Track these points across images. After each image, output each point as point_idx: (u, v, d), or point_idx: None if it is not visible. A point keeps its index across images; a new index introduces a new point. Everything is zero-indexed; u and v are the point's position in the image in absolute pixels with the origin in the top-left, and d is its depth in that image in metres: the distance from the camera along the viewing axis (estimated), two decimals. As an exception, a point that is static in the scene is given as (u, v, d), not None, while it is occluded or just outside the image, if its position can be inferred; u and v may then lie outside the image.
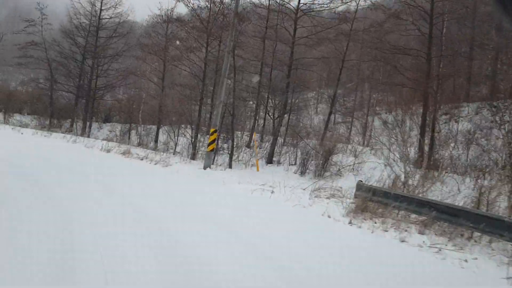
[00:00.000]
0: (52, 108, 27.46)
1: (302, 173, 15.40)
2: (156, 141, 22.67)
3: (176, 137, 21.00)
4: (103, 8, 27.17)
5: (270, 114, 22.91)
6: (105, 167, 12.73)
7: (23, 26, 27.44)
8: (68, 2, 26.85)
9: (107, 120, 29.53)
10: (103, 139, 23.20)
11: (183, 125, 21.08)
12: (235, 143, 17.48)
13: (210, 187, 10.65)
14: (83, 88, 27.64)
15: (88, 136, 24.34)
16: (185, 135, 20.51)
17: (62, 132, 27.26)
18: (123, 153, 16.83)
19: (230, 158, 16.96)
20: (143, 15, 22.34)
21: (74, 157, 14.90)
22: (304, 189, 10.73)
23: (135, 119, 26.21)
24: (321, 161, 15.24)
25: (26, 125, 25.75)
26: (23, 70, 27.67)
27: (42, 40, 27.28)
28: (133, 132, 26.13)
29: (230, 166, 16.66)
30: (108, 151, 17.48)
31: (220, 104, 14.98)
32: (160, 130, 23.35)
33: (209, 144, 14.60)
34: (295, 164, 16.94)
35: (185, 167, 14.23)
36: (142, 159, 15.71)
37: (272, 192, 9.93)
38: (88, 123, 26.52)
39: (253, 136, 17.53)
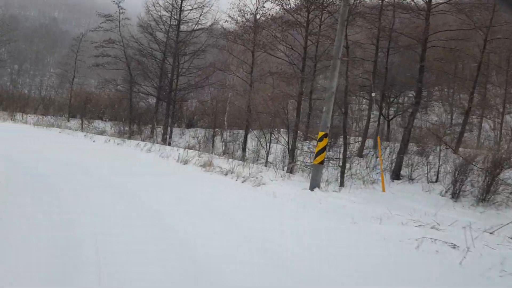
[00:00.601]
0: (131, 112, 25.05)
1: (455, 196, 10.56)
2: (244, 149, 18.99)
3: (267, 144, 17.10)
4: (184, -3, 24.29)
5: (383, 112, 18.20)
6: (174, 190, 9.06)
7: (99, 22, 25.42)
8: (146, -7, 24.38)
9: (190, 125, 26.58)
10: (184, 147, 20.09)
11: (276, 129, 17.14)
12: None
13: (341, 233, 6.36)
14: (163, 89, 24.92)
15: (169, 144, 21.38)
16: (279, 141, 16.56)
17: (143, 140, 24.82)
18: (203, 166, 13.26)
19: (342, 173, 12.58)
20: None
21: (137, 172, 11.56)
22: (491, 233, 6.28)
23: (220, 123, 22.83)
24: (485, 179, 10.30)
25: (103, 132, 23.55)
26: (100, 71, 25.73)
27: (120, 37, 25.04)
28: (217, 138, 22.77)
29: (341, 184, 12.34)
30: (186, 162, 14.04)
31: (332, 97, 10.71)
32: (249, 135, 19.63)
33: (317, 154, 10.42)
34: (436, 181, 12.11)
35: (283, 187, 10.20)
36: (226, 174, 11.98)
37: (454, 247, 5.45)
38: (169, 129, 23.65)
39: (378, 141, 12.99)
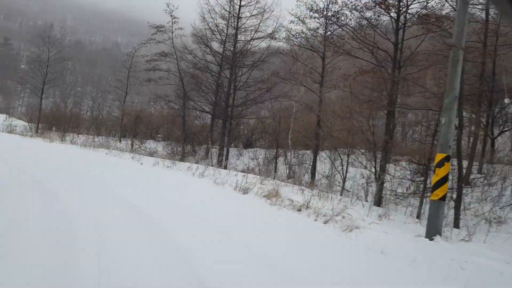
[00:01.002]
0: (184, 131, 22.78)
1: None
2: (313, 173, 15.92)
3: (344, 167, 14.01)
4: (242, 4, 21.84)
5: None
6: (236, 238, 6.19)
7: (151, 33, 23.55)
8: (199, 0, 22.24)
9: (248, 145, 23.89)
10: (242, 170, 17.42)
11: (355, 148, 14.05)
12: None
13: None
14: (219, 105, 22.51)
15: (225, 167, 18.76)
16: (360, 163, 13.45)
17: (196, 161, 22.46)
18: (268, 196, 10.39)
19: (457, 210, 9.26)
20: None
21: (186, 209, 8.84)
22: None
23: (283, 142, 19.93)
24: None
25: (153, 153, 21.39)
26: (152, 87, 23.85)
27: (173, 49, 23.00)
28: (280, 160, 19.88)
29: (456, 225, 9.08)
30: (245, 191, 11.23)
31: (454, 104, 7.55)
32: (318, 156, 16.59)
33: (435, 186, 7.26)
34: None
35: (387, 235, 7.06)
36: (299, 210, 9.01)
37: None
38: (225, 150, 21.08)
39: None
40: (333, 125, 14.91)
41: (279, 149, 20.26)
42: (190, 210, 8.32)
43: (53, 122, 30.04)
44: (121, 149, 23.35)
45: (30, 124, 31.00)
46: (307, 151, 18.74)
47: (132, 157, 18.76)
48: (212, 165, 19.16)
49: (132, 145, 24.43)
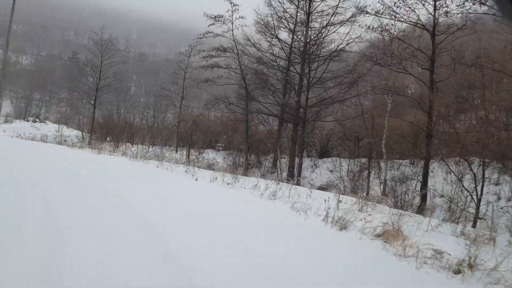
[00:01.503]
0: (248, 139, 19.23)
1: None
2: (424, 193, 11.58)
3: (479, 184, 9.78)
4: (315, -17, 18.03)
5: None
6: None
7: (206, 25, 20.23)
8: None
9: (323, 153, 19.84)
10: (320, 187, 13.58)
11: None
12: None
13: None
14: (289, 106, 18.76)
15: (298, 183, 14.96)
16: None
17: (262, 175, 18.88)
18: (384, 238, 6.53)
19: None
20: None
21: (264, 261, 5.08)
22: None
23: (376, 149, 15.78)
24: None
25: (211, 166, 18.05)
26: (209, 88, 20.63)
27: (234, 41, 19.59)
28: (372, 172, 15.77)
29: None
30: (343, 226, 7.39)
31: None
32: (430, 167, 12.28)
33: None
34: None
35: None
36: (458, 272, 5.01)
37: None
38: (297, 160, 17.25)
39: None
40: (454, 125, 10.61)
41: (366, 159, 16.15)
42: (276, 267, 4.64)
43: (106, 131, 27.74)
44: (176, 160, 20.24)
45: (83, 134, 28.92)
46: (403, 161, 14.52)
47: (186, 171, 15.45)
48: (283, 180, 15.40)
49: (188, 155, 21.24)
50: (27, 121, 34.71)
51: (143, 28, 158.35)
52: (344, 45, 16.98)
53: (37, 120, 35.31)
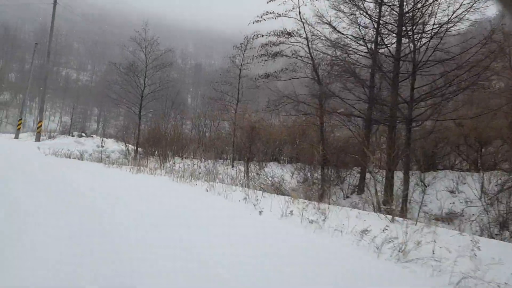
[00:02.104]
0: (323, 147, 14.42)
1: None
2: None
3: None
4: None
5: None
6: None
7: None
8: None
9: (430, 165, 14.50)
10: (441, 218, 8.70)
11: None
12: None
13: None
14: (378, 102, 13.82)
15: (404, 212, 10.11)
16: None
17: (346, 195, 14.26)
18: None
19: None
20: None
21: None
22: None
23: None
24: None
25: (279, 187, 13.46)
26: (270, 84, 16.14)
27: (301, 22, 14.96)
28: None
29: None
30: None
31: None
32: None
33: None
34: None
35: None
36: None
37: None
38: (403, 176, 12.22)
39: None
40: None
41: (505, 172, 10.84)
42: None
43: (152, 144, 24.00)
44: (232, 177, 15.79)
45: (127, 148, 25.34)
46: None
47: (245, 198, 10.89)
48: (380, 209, 10.49)
49: (246, 172, 16.72)
50: (72, 135, 31.94)
51: (198, 40, 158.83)
52: (467, 7, 11.71)
53: (83, 134, 32.48)
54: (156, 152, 24.21)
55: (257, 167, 17.82)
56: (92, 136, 31.46)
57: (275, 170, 16.60)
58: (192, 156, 23.37)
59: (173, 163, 20.32)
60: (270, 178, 14.90)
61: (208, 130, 25.64)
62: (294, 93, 15.38)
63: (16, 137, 32.02)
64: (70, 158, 21.55)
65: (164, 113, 28.24)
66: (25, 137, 31.22)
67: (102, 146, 27.63)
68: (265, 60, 16.26)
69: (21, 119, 35.37)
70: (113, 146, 27.76)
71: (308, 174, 15.50)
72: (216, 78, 24.91)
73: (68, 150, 22.74)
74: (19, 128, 34.27)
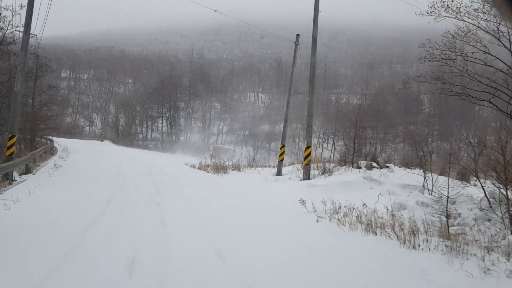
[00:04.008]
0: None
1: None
2: None
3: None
4: None
5: None
6: None
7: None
8: None
9: None
10: None
11: None
12: None
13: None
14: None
15: None
16: None
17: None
18: None
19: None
20: None
21: None
22: None
23: None
24: None
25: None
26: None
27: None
28: None
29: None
30: None
31: None
32: None
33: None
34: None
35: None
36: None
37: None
38: None
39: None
40: None
41: None
42: None
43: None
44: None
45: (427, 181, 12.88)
46: None
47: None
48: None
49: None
50: (358, 167, 18.18)
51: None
52: None
53: (373, 165, 17.74)
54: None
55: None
56: (387, 166, 16.27)
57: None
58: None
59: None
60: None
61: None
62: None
63: (279, 173, 19.93)
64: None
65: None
66: (290, 171, 19.61)
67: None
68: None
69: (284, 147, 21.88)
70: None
71: None
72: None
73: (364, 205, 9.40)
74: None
